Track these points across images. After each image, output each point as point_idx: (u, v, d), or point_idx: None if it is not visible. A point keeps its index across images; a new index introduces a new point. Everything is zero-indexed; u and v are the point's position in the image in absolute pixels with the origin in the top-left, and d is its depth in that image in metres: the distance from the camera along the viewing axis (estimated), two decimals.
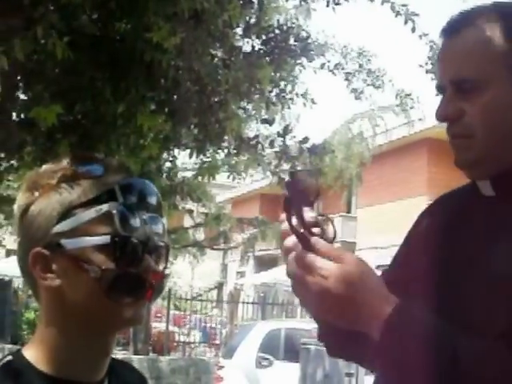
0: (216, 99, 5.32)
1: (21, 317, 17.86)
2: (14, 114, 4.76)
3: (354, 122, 16.52)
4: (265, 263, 24.40)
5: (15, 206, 1.13)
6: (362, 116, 16.08)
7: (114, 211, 1.05)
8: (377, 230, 18.46)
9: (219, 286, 28.45)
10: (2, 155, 5.00)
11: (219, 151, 6.37)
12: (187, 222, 16.97)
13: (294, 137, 6.46)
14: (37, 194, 1.08)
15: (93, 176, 1.07)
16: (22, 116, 4.69)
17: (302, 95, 6.92)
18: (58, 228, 1.05)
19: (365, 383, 7.96)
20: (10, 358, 1.08)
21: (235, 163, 7.98)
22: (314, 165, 6.45)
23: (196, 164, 7.44)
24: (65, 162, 1.11)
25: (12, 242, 26.16)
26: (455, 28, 1.28)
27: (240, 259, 22.57)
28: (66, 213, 1.05)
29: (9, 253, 27.34)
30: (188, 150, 5.76)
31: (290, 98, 6.59)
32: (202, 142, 5.51)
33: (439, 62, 1.32)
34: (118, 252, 1.04)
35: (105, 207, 1.05)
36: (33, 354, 1.08)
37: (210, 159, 6.36)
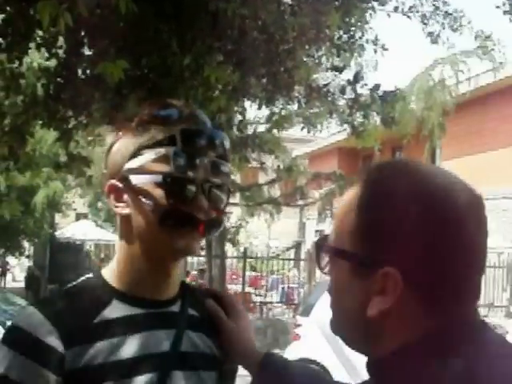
0: (284, 47, 5.18)
1: None
2: (80, 71, 4.75)
3: (435, 68, 15.66)
4: None
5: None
6: (443, 62, 15.22)
7: (170, 154, 1.21)
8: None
9: (297, 246, 28.36)
10: (70, 113, 4.99)
11: (290, 102, 6.25)
12: (262, 178, 16.79)
13: (366, 84, 6.26)
14: (121, 134, 1.29)
15: (163, 122, 1.24)
16: (88, 72, 4.67)
17: (372, 41, 6.71)
18: (129, 165, 1.25)
19: None
20: (90, 275, 1.33)
21: (308, 115, 7.82)
22: (386, 113, 6.24)
23: (268, 117, 7.34)
24: (147, 108, 1.29)
25: (81, 205, 26.26)
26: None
27: (318, 217, 22.40)
28: (136, 152, 1.24)
29: (78, 216, 27.24)
30: (257, 102, 5.66)
31: (360, 44, 6.37)
32: (271, 92, 5.41)
33: None
34: (169, 190, 1.22)
35: (163, 150, 1.22)
36: (108, 273, 1.32)
37: (280, 110, 6.25)
